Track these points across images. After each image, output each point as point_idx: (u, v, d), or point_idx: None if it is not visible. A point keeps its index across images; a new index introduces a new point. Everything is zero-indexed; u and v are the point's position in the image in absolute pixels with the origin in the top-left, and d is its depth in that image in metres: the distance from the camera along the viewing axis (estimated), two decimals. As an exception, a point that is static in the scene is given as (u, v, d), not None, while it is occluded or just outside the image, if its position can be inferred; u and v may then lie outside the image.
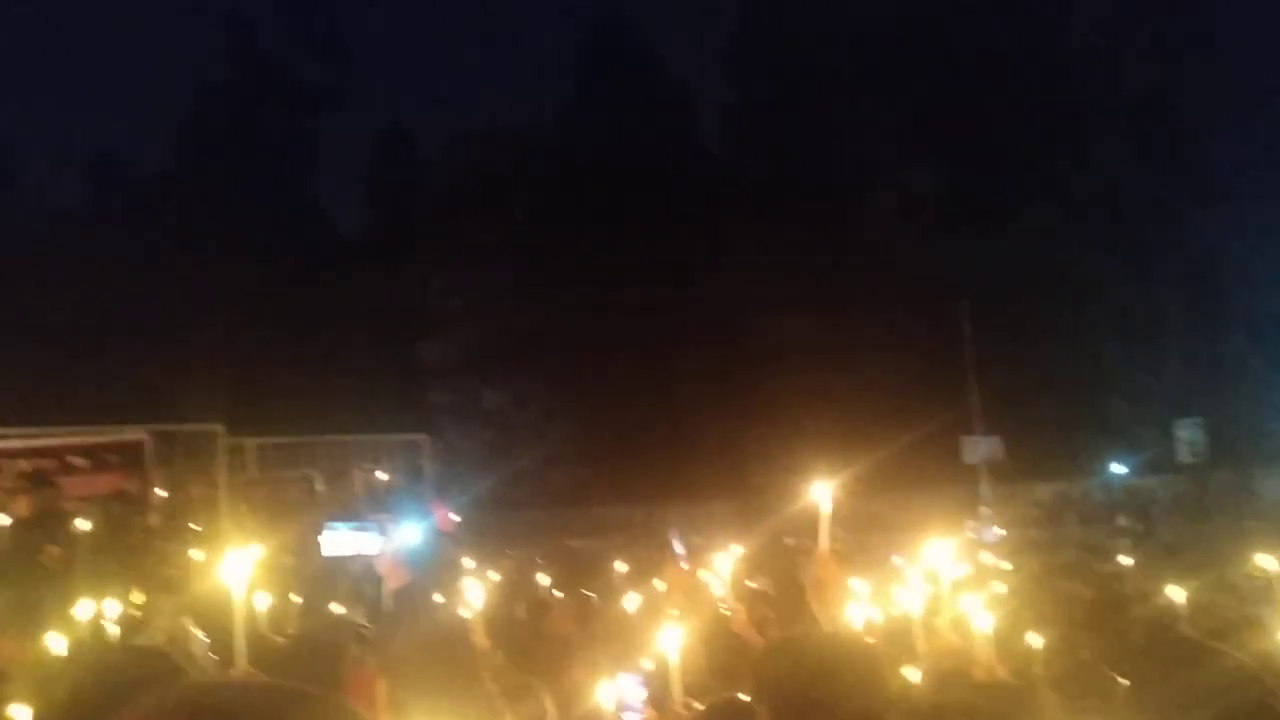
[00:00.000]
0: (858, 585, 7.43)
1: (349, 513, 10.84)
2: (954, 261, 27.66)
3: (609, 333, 29.65)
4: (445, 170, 34.20)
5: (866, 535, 13.09)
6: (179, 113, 36.54)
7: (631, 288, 29.47)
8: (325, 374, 27.75)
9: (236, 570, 2.90)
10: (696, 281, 29.82)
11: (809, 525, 4.26)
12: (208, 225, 30.32)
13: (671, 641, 4.21)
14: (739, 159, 33.45)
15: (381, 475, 14.69)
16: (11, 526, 8.98)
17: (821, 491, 3.88)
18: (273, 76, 35.53)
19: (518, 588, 10.34)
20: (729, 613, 4.92)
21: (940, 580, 4.13)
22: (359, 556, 8.86)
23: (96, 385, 23.56)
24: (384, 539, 8.54)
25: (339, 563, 9.09)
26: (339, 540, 9.56)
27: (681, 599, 6.55)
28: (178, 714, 0.85)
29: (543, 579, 11.02)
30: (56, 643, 4.98)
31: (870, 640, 3.83)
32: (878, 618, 5.32)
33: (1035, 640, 4.16)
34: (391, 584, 7.82)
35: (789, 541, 8.02)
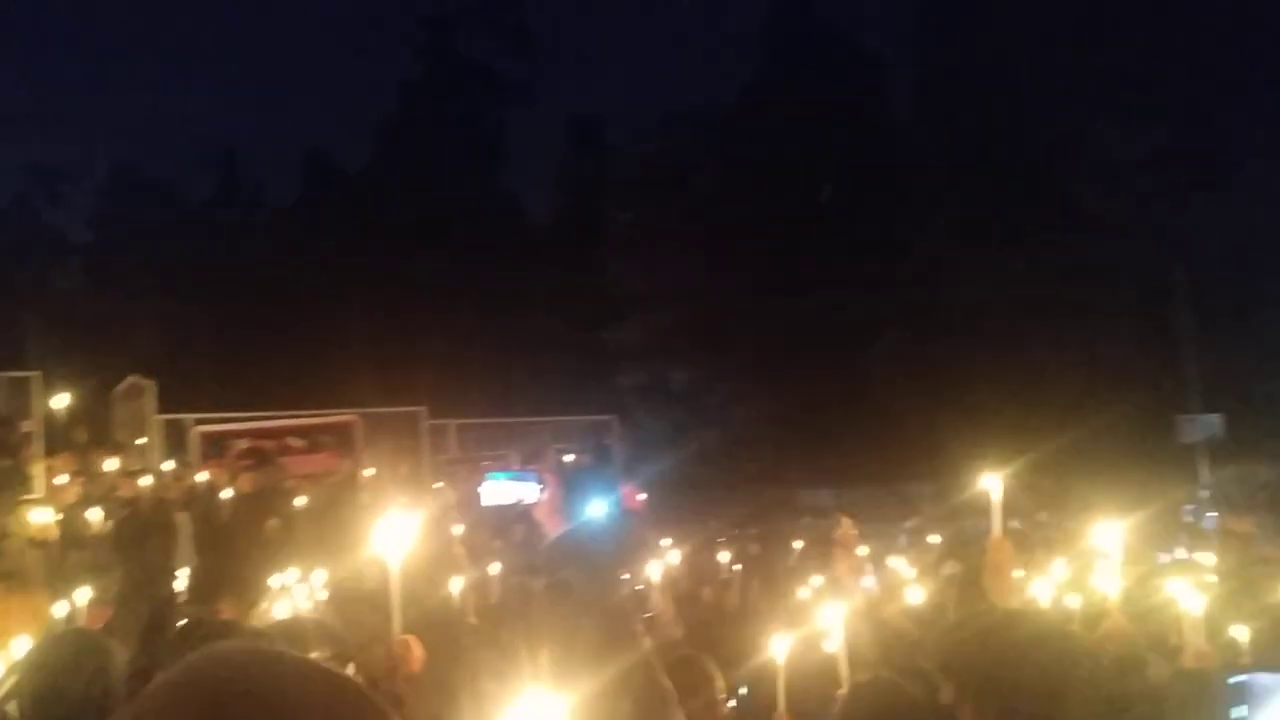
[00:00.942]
0: (1055, 568, 7.13)
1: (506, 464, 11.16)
2: (1165, 228, 25.78)
3: (799, 312, 29.30)
4: (633, 155, 34.60)
5: (1069, 517, 12.48)
6: (380, 109, 38.54)
7: (823, 266, 29.00)
8: (519, 358, 28.70)
9: (391, 536, 3.01)
10: (890, 258, 29.05)
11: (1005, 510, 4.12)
12: (408, 218, 31.85)
13: (835, 621, 4.16)
14: (933, 130, 32.28)
15: (569, 456, 15.09)
16: (236, 500, 9.77)
17: (992, 479, 3.79)
18: (466, 71, 36.90)
19: (702, 567, 10.42)
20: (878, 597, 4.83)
21: (1138, 564, 3.91)
22: (517, 505, 9.06)
23: (310, 372, 25.15)
24: (541, 487, 8.74)
25: (496, 513, 9.29)
26: (498, 489, 9.80)
27: (850, 581, 6.46)
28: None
29: (724, 558, 11.07)
30: (278, 609, 5.35)
31: (1061, 621, 3.69)
32: (1075, 601, 5.10)
33: (1241, 633, 3.87)
34: (549, 530, 7.99)
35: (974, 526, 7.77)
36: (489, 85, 37.17)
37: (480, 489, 10.03)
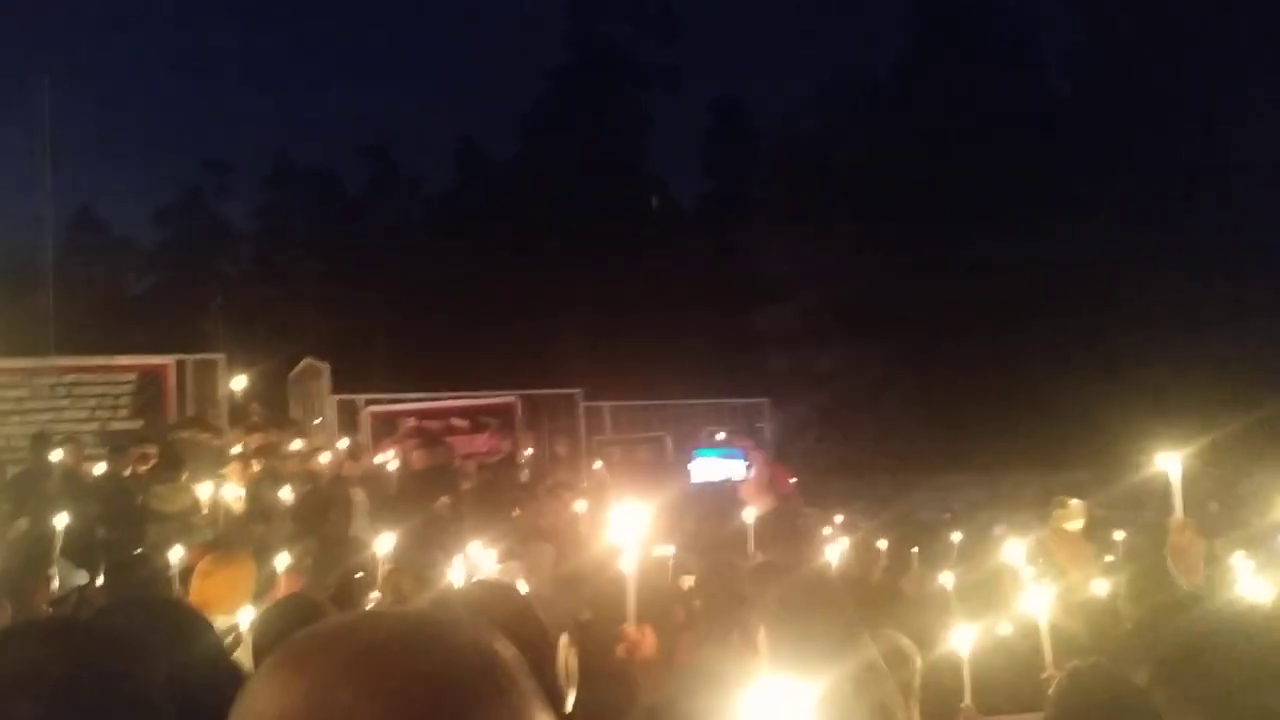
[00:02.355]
0: (1239, 560, 6.74)
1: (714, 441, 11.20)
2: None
3: (952, 293, 28.47)
4: (779, 135, 34.27)
5: (1243, 506, 11.78)
6: (530, 98, 39.26)
7: (976, 246, 28.07)
8: (669, 341, 28.84)
9: (627, 525, 3.05)
10: (1048, 237, 27.87)
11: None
12: (558, 204, 32.40)
13: (1040, 604, 4.03)
14: (1091, 105, 30.80)
15: (720, 435, 15.11)
16: (409, 477, 10.17)
17: (1170, 460, 3.63)
18: (612, 57, 37.21)
19: (862, 552, 10.26)
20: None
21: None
22: (724, 482, 9.07)
23: (472, 355, 25.88)
24: (748, 465, 8.72)
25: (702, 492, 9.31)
26: (707, 467, 9.81)
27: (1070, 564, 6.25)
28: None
29: (882, 544, 10.87)
30: (455, 578, 5.53)
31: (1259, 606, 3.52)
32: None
33: None
34: (757, 509, 7.98)
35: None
36: (635, 71, 37.39)
37: (690, 466, 10.09)
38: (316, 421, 12.51)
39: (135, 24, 63.43)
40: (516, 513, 9.66)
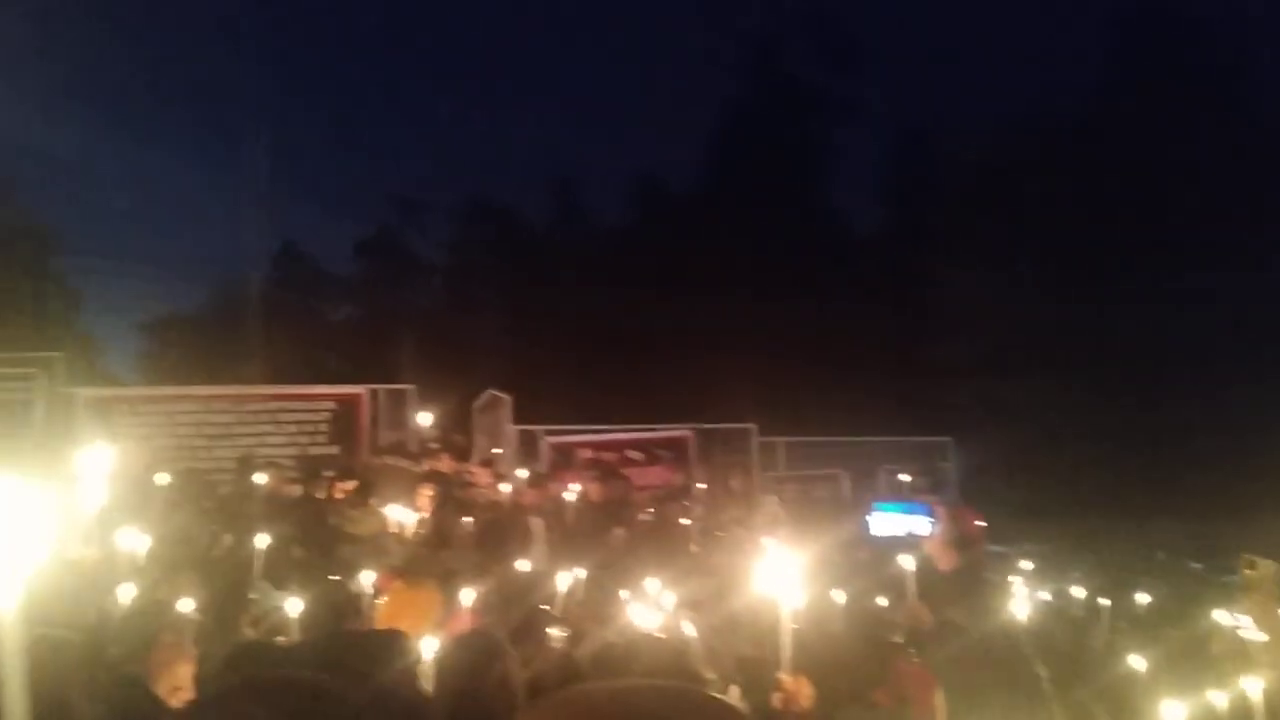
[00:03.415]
0: None
1: (896, 495, 10.84)
2: None
3: (1145, 328, 26.88)
4: (963, 164, 33.34)
5: None
6: (709, 131, 39.56)
7: (1172, 279, 26.44)
8: (846, 374, 28.31)
9: (777, 572, 2.95)
10: (1257, 269, 25.97)
11: None
12: (736, 236, 32.39)
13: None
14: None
15: (904, 476, 14.66)
16: (585, 508, 10.28)
17: None
18: (793, 90, 37.10)
19: (1057, 604, 9.71)
20: None
21: None
22: (907, 538, 8.75)
23: (648, 388, 26.11)
24: (933, 520, 8.37)
25: (886, 549, 9.04)
26: (887, 522, 9.47)
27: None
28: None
29: (1078, 592, 10.23)
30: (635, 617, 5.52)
31: None
32: None
33: None
34: (942, 566, 7.65)
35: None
36: (816, 102, 37.16)
37: (868, 519, 9.84)
38: (497, 451, 12.85)
39: (337, 72, 67.70)
40: (694, 548, 9.61)
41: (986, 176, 31.19)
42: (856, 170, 39.97)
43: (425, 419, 12.91)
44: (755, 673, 4.30)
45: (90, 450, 5.31)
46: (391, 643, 3.00)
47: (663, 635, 4.10)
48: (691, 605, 6.32)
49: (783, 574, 2.98)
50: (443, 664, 3.23)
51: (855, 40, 38.23)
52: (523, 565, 7.30)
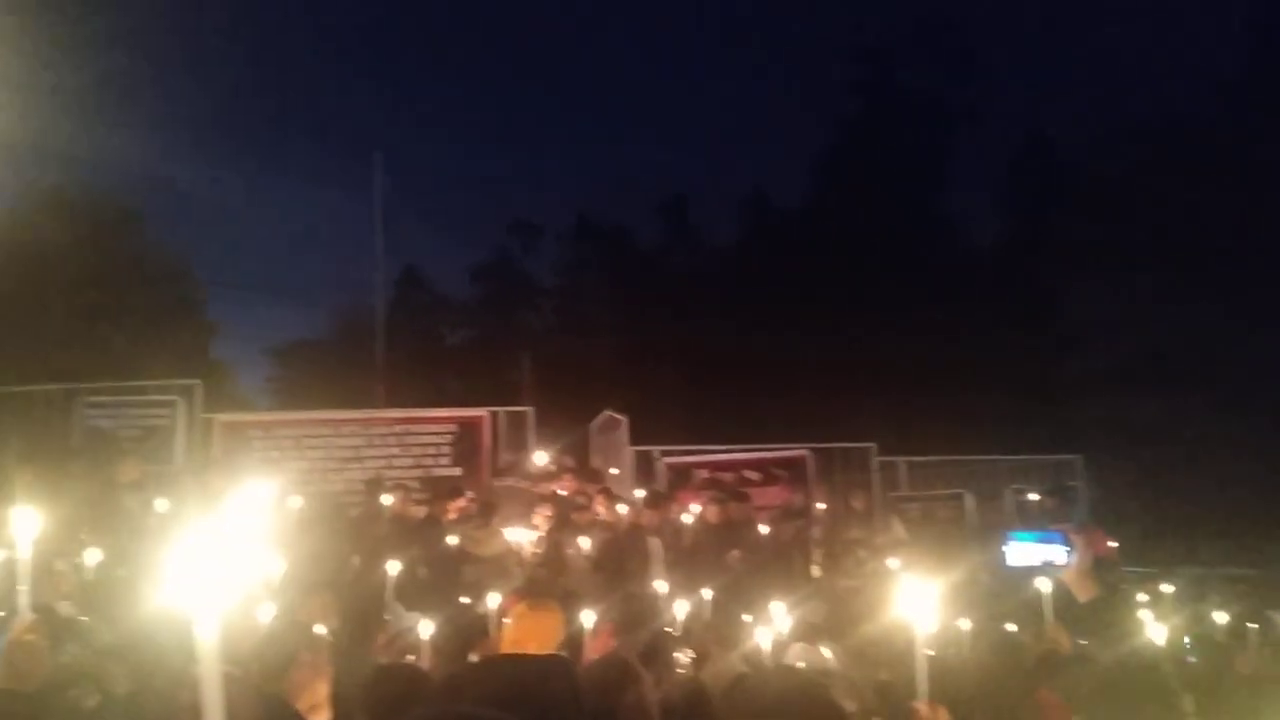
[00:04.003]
0: None
1: (1032, 523, 10.53)
2: None
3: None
4: (1086, 172, 32.25)
5: None
6: (819, 147, 39.24)
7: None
8: (968, 390, 27.58)
9: (914, 602, 2.87)
10: None
11: None
12: (849, 252, 31.98)
13: None
14: None
15: (1033, 496, 14.17)
16: (703, 529, 10.25)
17: None
18: (907, 102, 36.49)
19: (1199, 629, 9.24)
20: None
21: None
22: (1044, 567, 8.48)
23: (764, 406, 25.93)
24: (1069, 549, 8.07)
25: (1018, 577, 8.79)
26: (1024, 551, 9.22)
27: None
28: None
29: (1221, 617, 9.72)
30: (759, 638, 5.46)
31: None
32: None
33: None
34: (1080, 597, 7.37)
35: None
36: (930, 112, 36.48)
37: (1004, 548, 9.60)
38: (614, 472, 12.91)
39: (451, 102, 69.59)
40: (816, 570, 9.48)
41: (1113, 183, 30.09)
42: (974, 180, 39.04)
43: (541, 454, 12.97)
44: (895, 701, 4.20)
45: (246, 483, 5.51)
46: (554, 670, 3.05)
47: (799, 664, 4.03)
48: (820, 630, 6.22)
49: (918, 599, 2.90)
50: (580, 687, 3.24)
51: (970, 47, 37.45)
52: (645, 587, 7.29)
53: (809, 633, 5.82)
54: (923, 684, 2.70)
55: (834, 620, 6.59)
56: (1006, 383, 28.74)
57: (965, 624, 6.85)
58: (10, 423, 11.94)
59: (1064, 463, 15.33)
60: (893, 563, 8.77)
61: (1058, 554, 8.11)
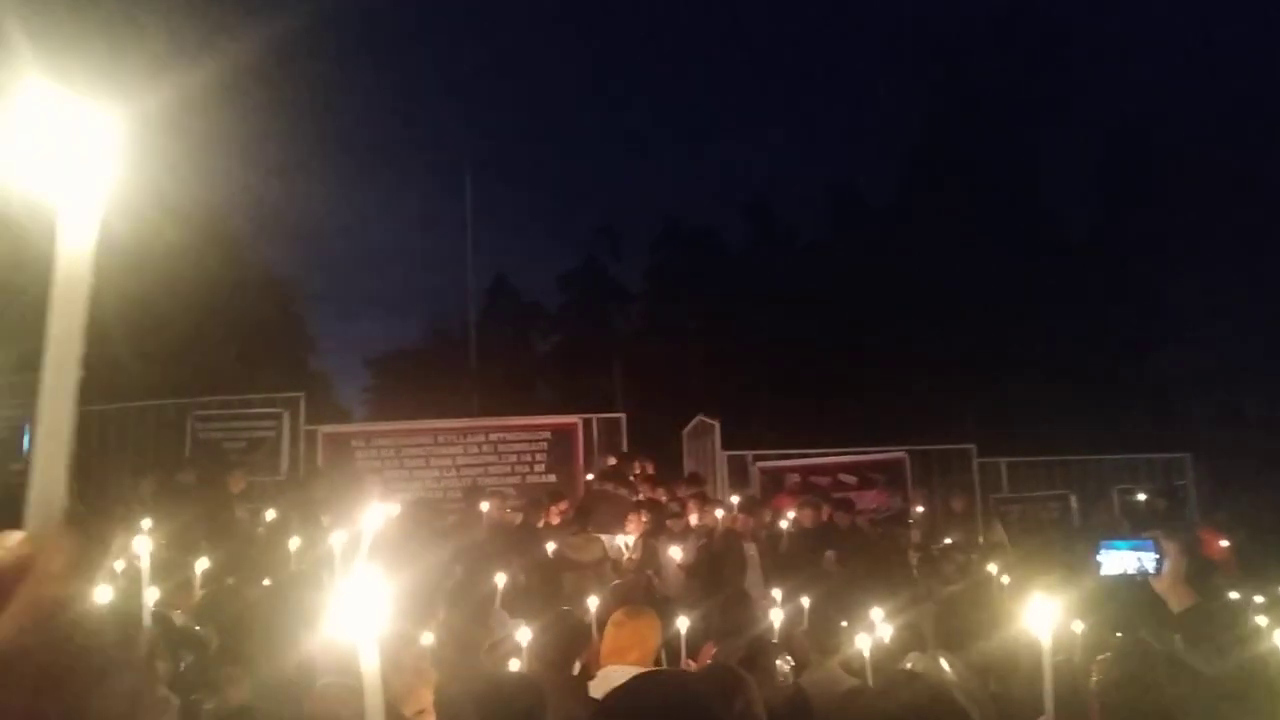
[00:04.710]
0: None
1: (1124, 530, 10.23)
2: None
3: None
4: (1186, 160, 31.08)
5: None
6: (906, 142, 38.61)
7: None
8: (1070, 388, 26.82)
9: (1042, 616, 2.81)
10: None
11: None
12: (940, 247, 31.32)
13: None
14: None
15: (1140, 495, 13.76)
16: (800, 534, 10.18)
17: None
18: (996, 93, 35.66)
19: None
20: None
21: None
22: (1138, 575, 8.21)
23: (858, 408, 25.62)
24: (1159, 556, 7.79)
25: (1115, 584, 8.53)
26: (1118, 558, 8.95)
27: None
28: None
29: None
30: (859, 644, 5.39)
31: None
32: None
33: None
34: (1174, 606, 7.11)
35: None
36: (1020, 103, 35.59)
37: (1098, 557, 9.37)
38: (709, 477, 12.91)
39: (538, 114, 70.41)
40: (915, 574, 9.33)
41: (1215, 170, 28.94)
42: (1068, 171, 37.90)
43: (636, 445, 13.07)
44: (1011, 713, 4.12)
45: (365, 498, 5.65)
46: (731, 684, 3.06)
47: (916, 674, 3.97)
48: (930, 638, 6.11)
49: (1041, 609, 2.86)
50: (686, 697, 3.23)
51: (1059, 34, 36.43)
52: (744, 592, 7.27)
53: (918, 641, 5.72)
54: (1049, 699, 2.65)
55: (942, 628, 6.45)
56: (1109, 379, 27.88)
57: (1078, 629, 6.67)
58: (128, 438, 12.48)
59: (1172, 461, 14.83)
60: (994, 567, 8.57)
61: (1149, 562, 7.82)
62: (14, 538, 0.69)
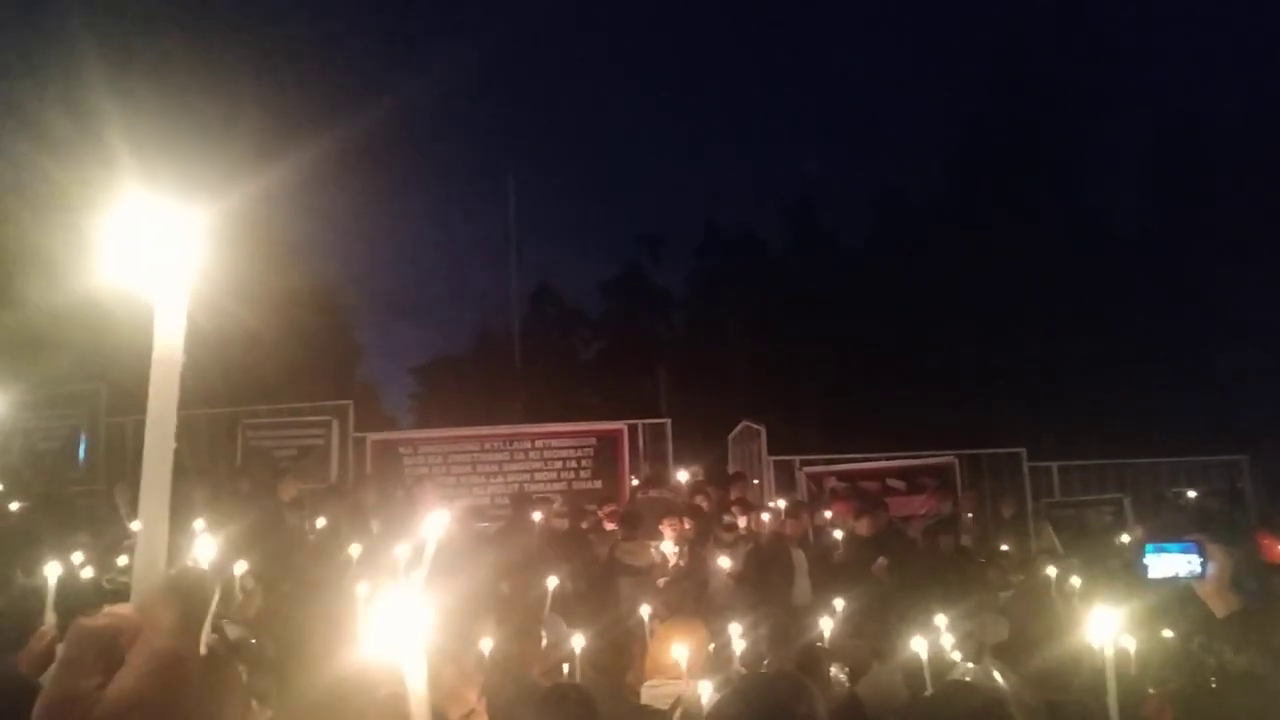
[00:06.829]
0: None
1: (1172, 533, 10.05)
2: None
3: None
4: (1235, 154, 30.49)
5: None
6: (950, 140, 38.26)
7: None
8: (1122, 390, 26.37)
9: (1104, 627, 2.76)
10: None
11: None
12: (988, 248, 30.93)
13: None
14: None
15: (1191, 493, 13.53)
16: (853, 541, 10.06)
17: None
18: (1042, 88, 35.16)
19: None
20: None
21: None
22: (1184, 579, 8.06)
23: (905, 412, 25.31)
24: (1207, 560, 7.63)
25: (1162, 588, 8.36)
26: (1164, 562, 8.79)
27: None
28: None
29: None
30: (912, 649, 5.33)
31: None
32: None
33: None
34: (1218, 612, 6.96)
35: None
36: (1067, 99, 35.09)
37: (1144, 560, 9.20)
38: (754, 483, 12.84)
39: (580, 121, 70.57)
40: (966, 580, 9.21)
41: (1267, 165, 28.34)
42: (1117, 169, 37.34)
43: (683, 472, 12.97)
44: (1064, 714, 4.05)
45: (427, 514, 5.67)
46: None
47: (970, 684, 3.93)
48: (986, 647, 6.03)
49: (1102, 619, 2.81)
50: (731, 704, 3.22)
51: (1109, 31, 35.93)
52: (792, 600, 7.23)
53: (975, 650, 5.64)
54: (1113, 708, 2.60)
55: (997, 637, 6.38)
56: (1163, 380, 27.37)
57: (1129, 640, 6.55)
58: (181, 447, 12.65)
59: (1229, 463, 14.52)
60: (1051, 572, 8.43)
61: (1193, 565, 7.64)
62: (124, 608, 0.73)
